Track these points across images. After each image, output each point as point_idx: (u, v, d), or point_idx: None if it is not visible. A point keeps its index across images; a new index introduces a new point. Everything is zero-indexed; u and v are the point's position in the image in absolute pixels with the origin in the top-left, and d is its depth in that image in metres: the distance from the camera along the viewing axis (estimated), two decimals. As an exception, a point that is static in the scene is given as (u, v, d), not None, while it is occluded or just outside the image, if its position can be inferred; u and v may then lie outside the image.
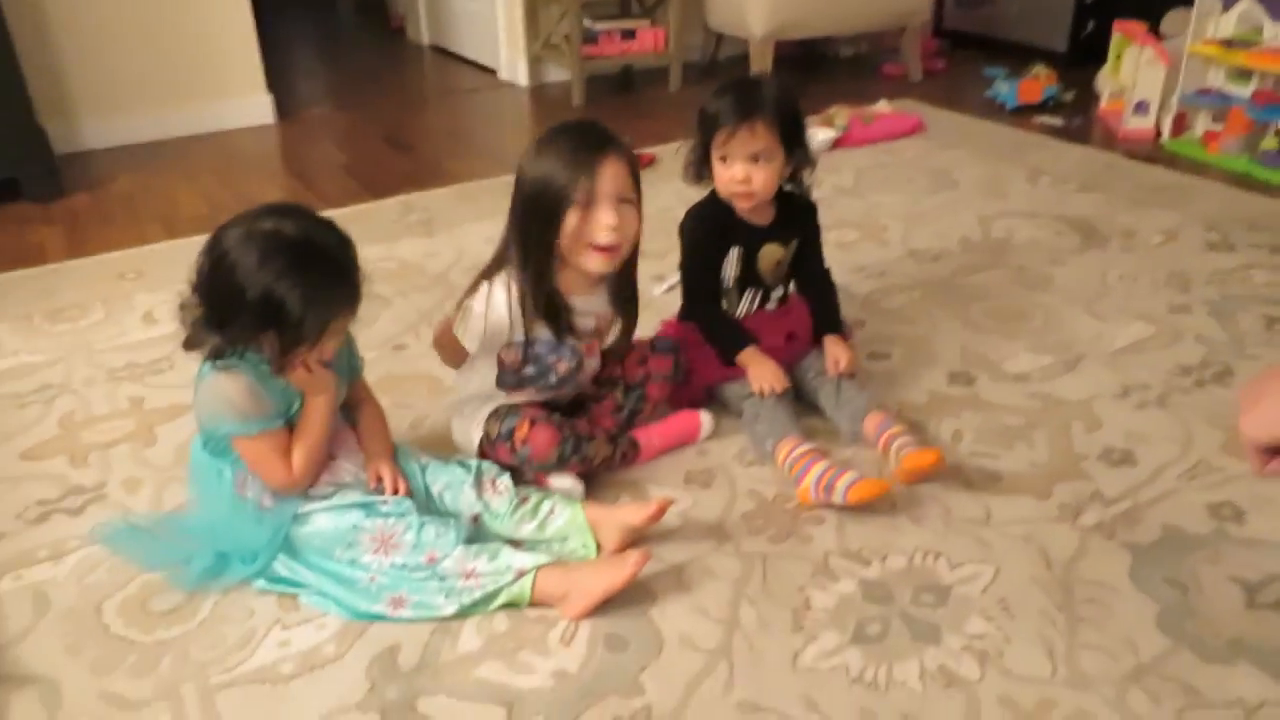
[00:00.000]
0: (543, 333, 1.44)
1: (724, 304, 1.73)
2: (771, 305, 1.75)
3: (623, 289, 1.52)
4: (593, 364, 1.55)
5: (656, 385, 1.61)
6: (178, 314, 1.24)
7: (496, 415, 1.49)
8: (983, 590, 1.33)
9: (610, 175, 1.35)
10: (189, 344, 1.25)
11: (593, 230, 1.36)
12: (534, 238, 1.37)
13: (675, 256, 2.43)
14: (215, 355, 1.23)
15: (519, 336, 1.44)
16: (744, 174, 1.58)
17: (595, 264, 1.41)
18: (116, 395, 1.84)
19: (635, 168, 1.40)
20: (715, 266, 1.69)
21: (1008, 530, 1.44)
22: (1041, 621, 1.27)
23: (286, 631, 1.27)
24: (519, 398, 1.52)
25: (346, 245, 1.25)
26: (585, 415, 1.59)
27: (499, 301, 1.42)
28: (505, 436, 1.47)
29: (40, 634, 1.28)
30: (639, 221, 1.43)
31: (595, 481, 1.55)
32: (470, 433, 1.52)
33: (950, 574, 1.36)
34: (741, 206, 1.63)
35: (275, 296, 1.16)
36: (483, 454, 1.51)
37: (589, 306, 1.50)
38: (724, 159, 1.59)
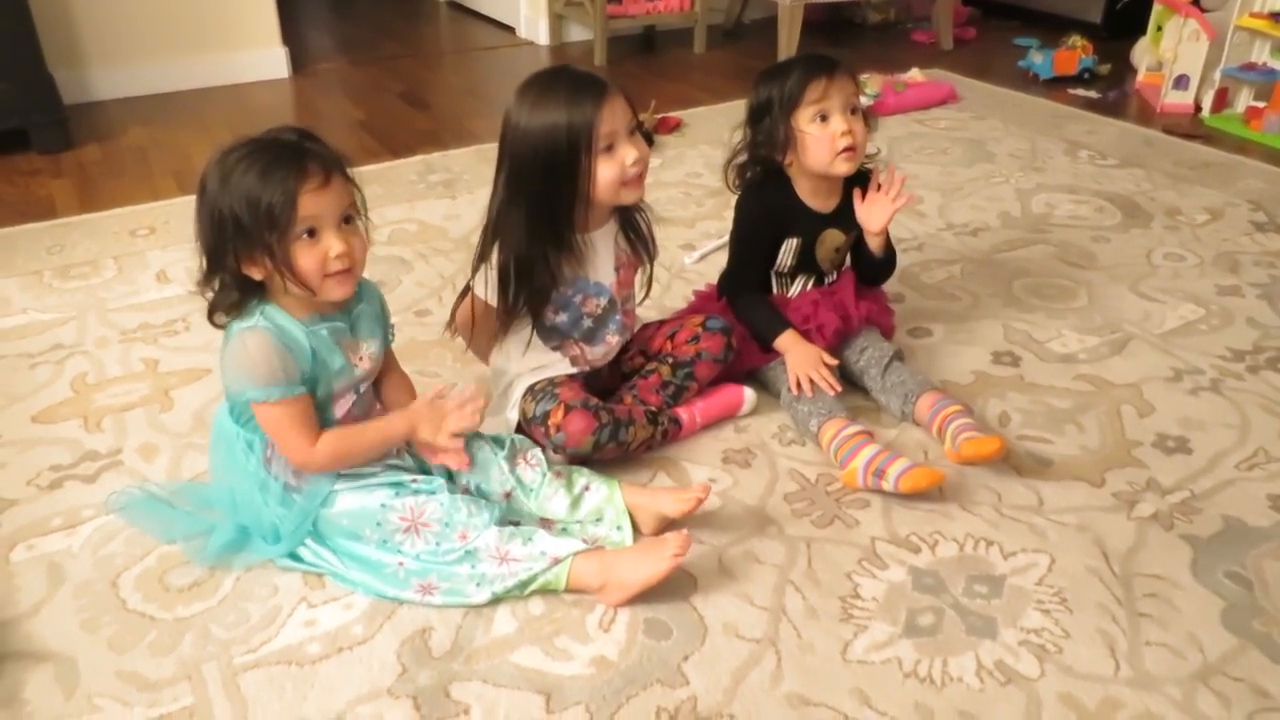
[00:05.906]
0: (565, 274, 1.40)
1: (774, 286, 1.66)
2: (824, 284, 1.69)
3: (628, 217, 1.48)
4: (627, 301, 1.52)
5: (706, 365, 1.55)
6: (198, 286, 1.18)
7: (532, 393, 1.43)
8: (1038, 582, 1.27)
9: (620, 110, 1.33)
10: (210, 311, 1.19)
11: (625, 165, 1.34)
12: (555, 186, 1.33)
13: (705, 225, 2.39)
14: (234, 308, 1.17)
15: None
16: (847, 126, 1.50)
17: (632, 195, 1.39)
18: (130, 357, 1.78)
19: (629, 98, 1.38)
20: (769, 254, 1.62)
21: (1061, 519, 1.38)
22: (1101, 616, 1.22)
23: (312, 610, 1.22)
24: (562, 367, 1.46)
25: (299, 130, 1.17)
26: (630, 390, 1.53)
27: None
28: (540, 420, 1.41)
29: (55, 608, 1.22)
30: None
31: (630, 457, 1.49)
32: (506, 416, 1.47)
33: (1004, 564, 1.30)
34: (845, 171, 1.54)
35: (237, 192, 1.10)
36: (519, 432, 1.45)
37: (606, 242, 1.46)
38: (823, 117, 1.50)
